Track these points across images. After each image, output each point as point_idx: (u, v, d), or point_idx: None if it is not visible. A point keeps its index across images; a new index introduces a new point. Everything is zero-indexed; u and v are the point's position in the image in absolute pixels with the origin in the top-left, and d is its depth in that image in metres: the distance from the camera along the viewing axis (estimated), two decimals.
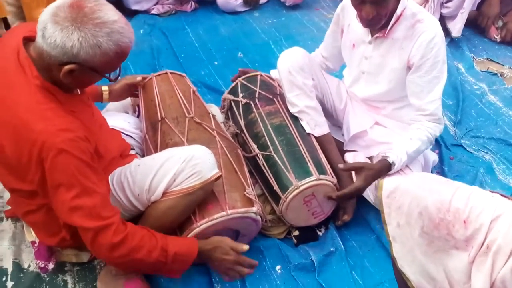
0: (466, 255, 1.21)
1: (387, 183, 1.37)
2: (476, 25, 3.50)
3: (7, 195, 1.89)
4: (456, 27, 3.31)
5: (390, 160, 1.82)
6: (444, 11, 3.30)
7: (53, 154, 1.27)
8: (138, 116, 2.15)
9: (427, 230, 1.27)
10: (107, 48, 1.27)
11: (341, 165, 1.88)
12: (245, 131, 2.08)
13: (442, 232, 1.24)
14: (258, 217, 1.77)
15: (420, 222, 1.27)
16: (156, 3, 3.68)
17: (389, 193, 1.35)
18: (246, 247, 1.59)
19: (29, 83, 1.31)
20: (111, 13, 1.29)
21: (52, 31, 1.23)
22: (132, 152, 1.88)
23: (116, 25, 1.28)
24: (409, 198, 1.30)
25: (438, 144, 2.47)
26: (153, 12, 3.63)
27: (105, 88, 2.00)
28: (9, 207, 1.89)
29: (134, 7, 3.52)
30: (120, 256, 1.41)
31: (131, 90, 2.13)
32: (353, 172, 1.91)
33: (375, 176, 1.84)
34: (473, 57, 3.29)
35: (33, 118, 1.28)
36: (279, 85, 2.23)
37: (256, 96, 2.15)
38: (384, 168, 1.83)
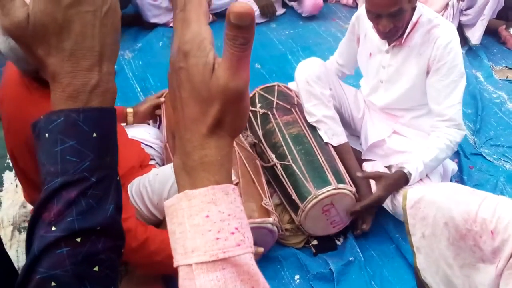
0: (493, 268, 1.18)
1: (412, 193, 1.36)
2: (495, 33, 3.49)
3: (30, 206, 1.94)
4: (476, 35, 3.29)
5: (406, 171, 1.82)
6: (463, 18, 3.28)
7: None
8: (158, 127, 2.18)
9: (453, 241, 1.24)
10: None
11: (359, 173, 1.89)
12: (263, 141, 2.09)
13: (469, 243, 1.22)
14: (275, 228, 1.78)
15: (446, 233, 1.25)
16: None
17: (414, 203, 1.34)
18: (261, 249, 1.61)
19: (38, 97, 1.30)
20: None
21: None
22: (152, 162, 1.91)
23: None
24: (435, 208, 1.28)
25: (457, 153, 2.46)
26: (171, 25, 3.68)
27: (130, 110, 2.04)
28: None
29: (153, 20, 3.57)
30: (141, 257, 1.43)
31: (155, 111, 2.17)
32: (371, 181, 1.91)
33: (394, 186, 1.85)
34: (492, 65, 3.27)
35: None
36: (296, 95, 2.24)
37: (274, 106, 2.17)
38: (402, 179, 1.84)
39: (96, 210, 0.53)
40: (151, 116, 2.17)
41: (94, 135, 0.53)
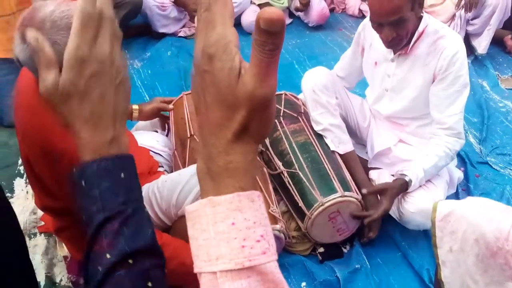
0: None
1: (442, 206, 1.36)
2: (500, 42, 3.51)
3: (40, 212, 1.96)
4: (482, 44, 3.31)
5: (407, 178, 1.85)
6: (470, 28, 3.31)
7: None
8: (167, 135, 2.21)
9: (483, 258, 1.23)
10: None
11: (364, 190, 1.91)
12: (270, 148, 2.11)
13: (499, 261, 1.21)
14: (282, 235, 1.79)
15: (476, 250, 1.24)
16: (183, 26, 3.78)
17: (443, 216, 1.33)
18: None
19: None
20: None
21: None
22: (160, 169, 1.93)
23: None
24: (465, 223, 1.27)
25: (463, 161, 2.47)
26: (180, 34, 3.73)
27: (135, 107, 2.07)
28: (43, 223, 1.96)
29: (162, 30, 3.62)
30: None
31: (160, 113, 2.20)
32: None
33: (397, 194, 1.90)
34: (498, 75, 3.28)
35: (56, 137, 1.32)
36: (303, 104, 2.27)
37: (281, 114, 2.19)
38: (403, 186, 1.88)
39: (139, 235, 0.63)
40: (156, 116, 2.20)
41: (122, 175, 0.63)
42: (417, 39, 1.90)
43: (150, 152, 1.96)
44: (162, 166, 1.98)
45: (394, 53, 1.98)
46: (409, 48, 1.92)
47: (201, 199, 0.47)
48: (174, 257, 1.46)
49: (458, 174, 2.17)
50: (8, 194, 2.18)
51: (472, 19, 3.28)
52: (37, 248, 1.98)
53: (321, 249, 1.99)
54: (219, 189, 0.47)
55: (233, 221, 0.45)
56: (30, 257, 1.56)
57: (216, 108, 0.46)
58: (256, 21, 0.42)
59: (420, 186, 1.93)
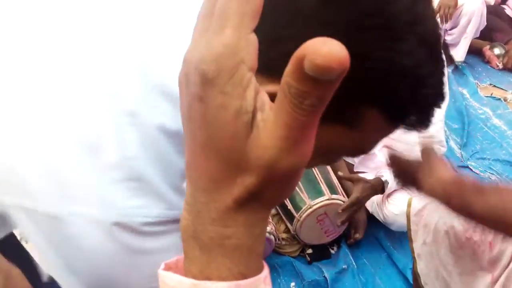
0: (490, 276, 1.22)
1: (416, 201, 1.41)
2: (479, 53, 3.63)
3: None
4: (459, 53, 3.43)
5: (384, 179, 1.92)
6: (448, 38, 3.42)
7: None
8: None
9: (453, 249, 1.28)
10: None
11: (340, 173, 1.97)
12: None
13: (468, 252, 1.25)
14: (272, 237, 1.86)
15: (447, 241, 1.28)
16: None
17: (418, 211, 1.38)
18: None
19: None
20: None
21: None
22: None
23: None
24: (437, 216, 1.31)
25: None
26: None
27: None
28: None
29: None
30: None
31: None
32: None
33: (370, 190, 1.94)
34: (477, 83, 3.39)
35: None
36: None
37: None
38: (378, 184, 1.94)
39: None
40: None
41: None
42: None
43: None
44: None
45: None
46: None
47: (183, 277, 0.32)
48: None
49: None
50: None
51: (450, 29, 3.39)
52: None
53: (310, 250, 2.05)
54: (209, 267, 0.32)
55: None
56: None
57: (212, 157, 0.30)
58: (297, 57, 0.25)
59: (403, 189, 2.00)
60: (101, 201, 0.54)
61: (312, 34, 0.26)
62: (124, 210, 0.55)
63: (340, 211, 1.93)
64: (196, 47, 0.28)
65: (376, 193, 1.96)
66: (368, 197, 1.94)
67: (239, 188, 0.30)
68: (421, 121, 0.53)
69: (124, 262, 0.57)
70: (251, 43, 0.27)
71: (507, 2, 3.73)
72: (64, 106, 0.56)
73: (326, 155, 0.57)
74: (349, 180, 1.98)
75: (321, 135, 0.44)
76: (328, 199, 1.91)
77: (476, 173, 2.55)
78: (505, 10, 3.73)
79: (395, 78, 0.46)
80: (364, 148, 0.58)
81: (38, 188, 0.55)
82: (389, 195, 2.00)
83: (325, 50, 0.23)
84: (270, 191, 0.31)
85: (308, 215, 1.90)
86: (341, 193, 1.98)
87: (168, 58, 0.55)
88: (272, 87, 0.33)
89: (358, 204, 1.95)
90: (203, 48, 0.27)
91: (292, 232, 1.98)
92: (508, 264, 1.18)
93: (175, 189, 0.59)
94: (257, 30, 0.28)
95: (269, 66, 0.38)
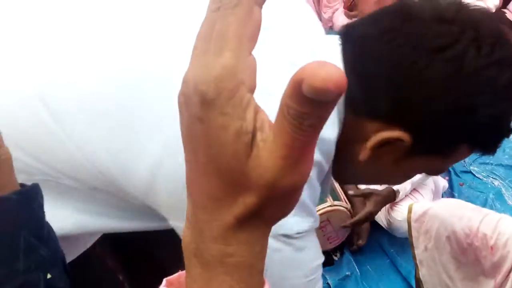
0: (492, 282, 1.23)
1: (417, 207, 1.40)
2: None
3: None
4: None
5: (395, 188, 1.92)
6: None
7: None
8: None
9: (455, 255, 1.28)
10: None
11: (351, 192, 1.97)
12: None
13: (470, 257, 1.25)
14: None
15: (448, 247, 1.29)
16: None
17: (418, 217, 1.38)
18: None
19: None
20: None
21: None
22: None
23: None
24: (438, 222, 1.31)
25: (448, 171, 2.54)
26: None
27: None
28: None
29: None
30: None
31: None
32: None
33: (383, 202, 1.95)
34: None
35: None
36: None
37: None
38: (391, 195, 1.94)
39: None
40: None
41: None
42: None
43: None
44: None
45: None
46: None
47: None
48: None
49: (443, 183, 2.25)
50: None
51: None
52: None
53: None
54: (210, 285, 0.33)
55: None
56: None
57: (213, 176, 0.30)
58: (295, 81, 0.25)
59: (406, 195, 2.00)
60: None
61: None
62: (289, 226, 0.70)
63: (349, 224, 1.93)
64: (195, 68, 0.28)
65: (388, 203, 1.97)
66: (379, 209, 1.95)
67: (240, 207, 0.30)
68: (495, 149, 0.76)
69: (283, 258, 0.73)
70: (250, 64, 0.28)
71: (508, 6, 3.73)
72: None
73: (411, 176, 0.83)
74: (361, 196, 1.98)
75: (420, 162, 0.74)
76: (330, 206, 1.90)
77: (479, 178, 2.54)
78: (506, 14, 3.72)
79: (492, 128, 0.70)
80: (443, 169, 0.83)
81: None
82: (393, 202, 1.99)
83: (323, 74, 0.24)
84: (271, 209, 0.31)
85: None
86: (343, 200, 1.97)
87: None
88: (388, 133, 0.69)
89: (370, 218, 1.95)
90: (203, 69, 0.28)
91: None
92: (511, 269, 1.19)
93: (314, 205, 0.76)
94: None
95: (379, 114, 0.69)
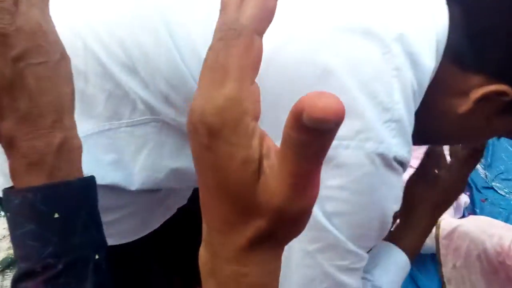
0: None
1: (444, 224, 1.39)
2: None
3: None
4: None
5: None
6: None
7: None
8: None
9: (486, 273, 1.27)
10: None
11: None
12: None
13: (501, 276, 1.24)
14: None
15: (478, 265, 1.28)
16: None
17: (447, 234, 1.37)
18: None
19: None
20: None
21: None
22: None
23: None
24: (468, 240, 1.30)
25: (469, 186, 2.51)
26: None
27: None
28: None
29: None
30: None
31: None
32: None
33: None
34: None
35: None
36: None
37: None
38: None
39: None
40: None
41: (56, 215, 0.46)
42: None
43: None
44: None
45: None
46: None
47: None
48: None
49: (465, 199, 2.21)
50: None
51: None
52: None
53: None
54: None
55: None
56: None
57: (224, 201, 0.31)
58: (295, 111, 0.26)
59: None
60: (375, 135, 0.64)
61: None
62: (388, 145, 0.65)
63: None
64: (201, 99, 0.29)
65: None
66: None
67: (252, 230, 0.31)
68: None
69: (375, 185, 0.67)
70: (253, 93, 0.30)
71: None
72: None
73: (493, 136, 0.85)
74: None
75: (508, 122, 0.76)
76: None
77: (501, 194, 2.50)
78: None
79: None
80: None
81: None
82: None
83: (321, 104, 0.24)
84: (282, 231, 0.32)
85: None
86: None
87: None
88: (495, 87, 0.70)
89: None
90: (207, 100, 0.29)
91: None
92: None
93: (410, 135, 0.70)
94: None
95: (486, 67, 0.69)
